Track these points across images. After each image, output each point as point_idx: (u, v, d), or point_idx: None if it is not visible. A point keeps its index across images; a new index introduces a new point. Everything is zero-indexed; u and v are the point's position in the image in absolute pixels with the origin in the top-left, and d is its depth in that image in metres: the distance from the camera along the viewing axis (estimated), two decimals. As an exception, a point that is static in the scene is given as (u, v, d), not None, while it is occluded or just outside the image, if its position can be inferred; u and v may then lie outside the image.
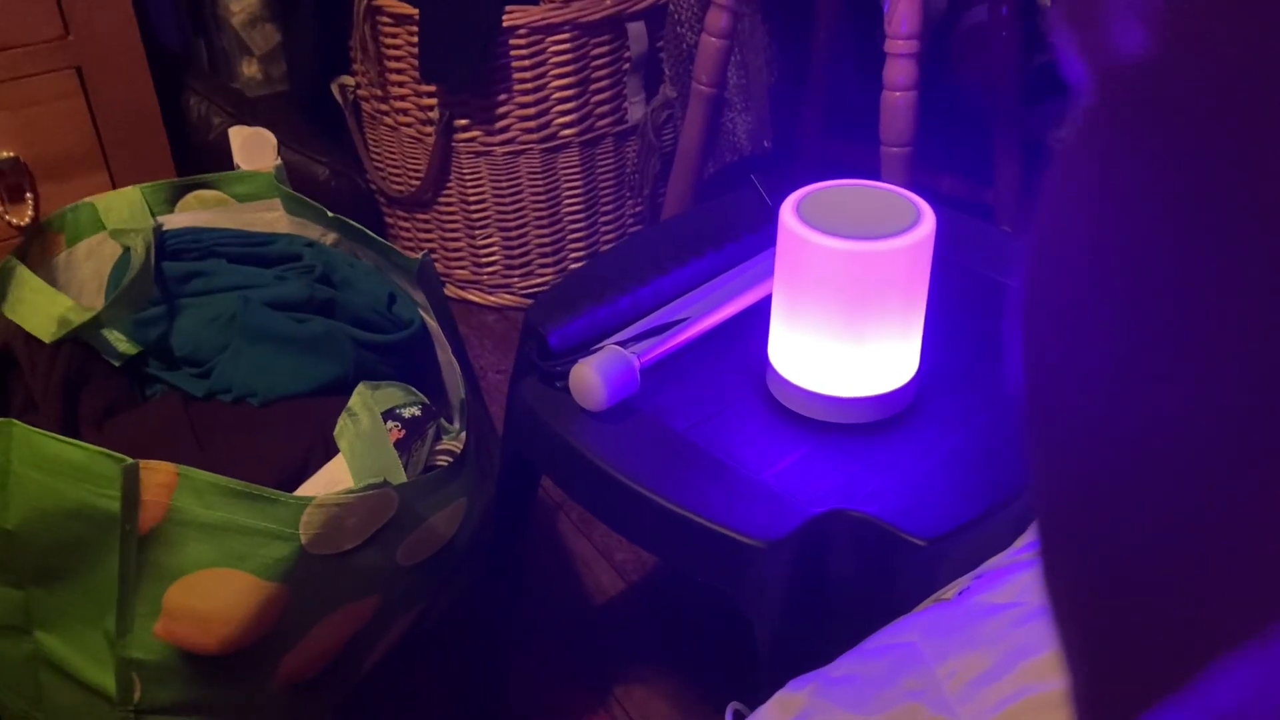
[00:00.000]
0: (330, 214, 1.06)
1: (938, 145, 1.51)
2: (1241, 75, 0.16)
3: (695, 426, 0.83)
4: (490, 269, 1.60)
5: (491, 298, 1.62)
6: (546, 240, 1.58)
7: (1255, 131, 0.16)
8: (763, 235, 0.96)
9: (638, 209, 1.62)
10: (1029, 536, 0.74)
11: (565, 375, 0.83)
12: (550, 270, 1.60)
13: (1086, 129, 0.19)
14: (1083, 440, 0.19)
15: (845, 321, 0.79)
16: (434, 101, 1.50)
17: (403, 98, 1.53)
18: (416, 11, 1.43)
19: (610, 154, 1.56)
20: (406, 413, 0.89)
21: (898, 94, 1.20)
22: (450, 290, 1.63)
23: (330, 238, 1.08)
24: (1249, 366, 0.17)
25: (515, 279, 1.61)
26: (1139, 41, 0.17)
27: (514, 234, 1.57)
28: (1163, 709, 0.17)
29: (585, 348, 0.86)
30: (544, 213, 1.56)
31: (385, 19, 1.48)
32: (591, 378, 0.81)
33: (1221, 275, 0.17)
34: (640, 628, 1.16)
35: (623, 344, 0.86)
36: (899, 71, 1.19)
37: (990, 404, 0.84)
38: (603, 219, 1.60)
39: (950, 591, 0.67)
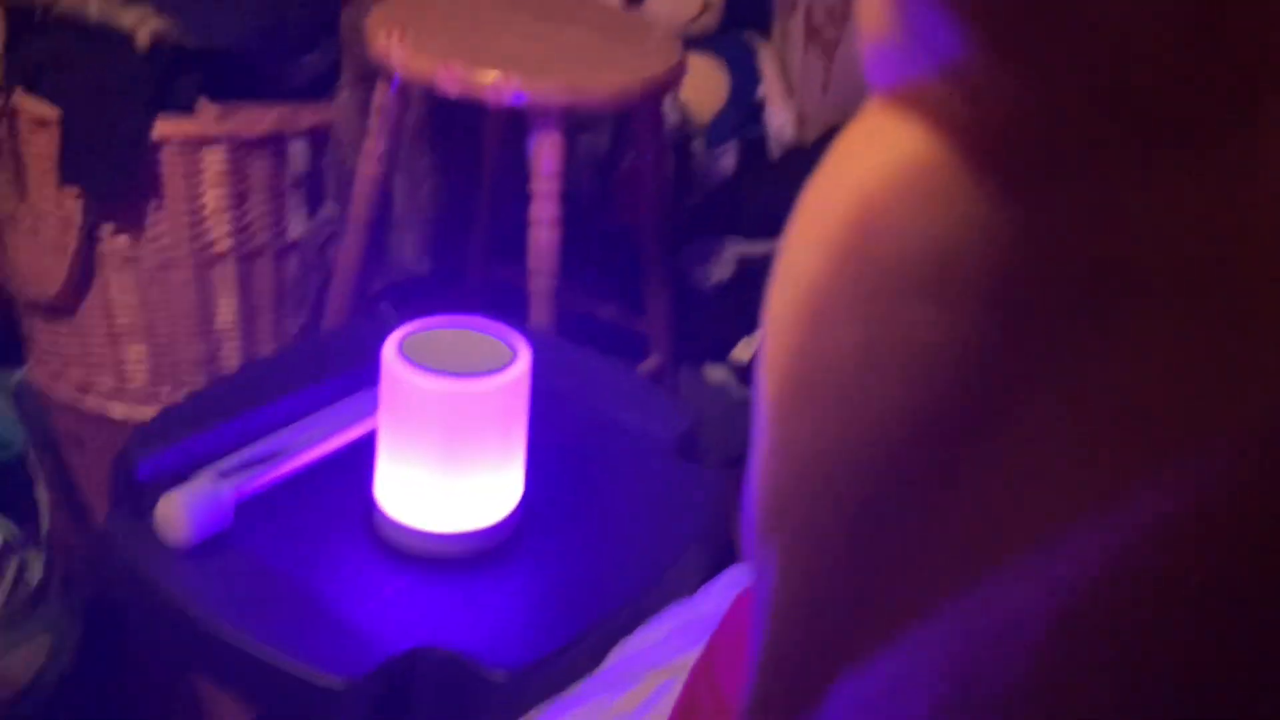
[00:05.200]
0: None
1: (597, 275, 1.58)
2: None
3: (293, 563, 0.81)
4: (136, 381, 1.53)
5: (137, 411, 1.54)
6: (198, 353, 1.52)
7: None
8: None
9: (300, 324, 1.59)
10: (605, 664, 0.76)
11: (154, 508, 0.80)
12: (202, 384, 1.54)
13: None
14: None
15: (440, 456, 0.80)
16: (76, 207, 1.43)
17: (43, 201, 1.45)
18: (58, 114, 1.37)
19: (269, 269, 1.53)
20: (-23, 547, 0.83)
21: (541, 227, 1.25)
22: (91, 401, 1.54)
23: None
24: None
25: (164, 391, 1.54)
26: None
27: (163, 346, 1.51)
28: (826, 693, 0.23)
29: (181, 478, 0.83)
30: (195, 326, 1.50)
31: (25, 120, 1.41)
32: (176, 510, 0.78)
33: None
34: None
35: (223, 475, 0.83)
36: (541, 207, 1.24)
37: (589, 533, 0.88)
38: (261, 334, 1.56)
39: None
